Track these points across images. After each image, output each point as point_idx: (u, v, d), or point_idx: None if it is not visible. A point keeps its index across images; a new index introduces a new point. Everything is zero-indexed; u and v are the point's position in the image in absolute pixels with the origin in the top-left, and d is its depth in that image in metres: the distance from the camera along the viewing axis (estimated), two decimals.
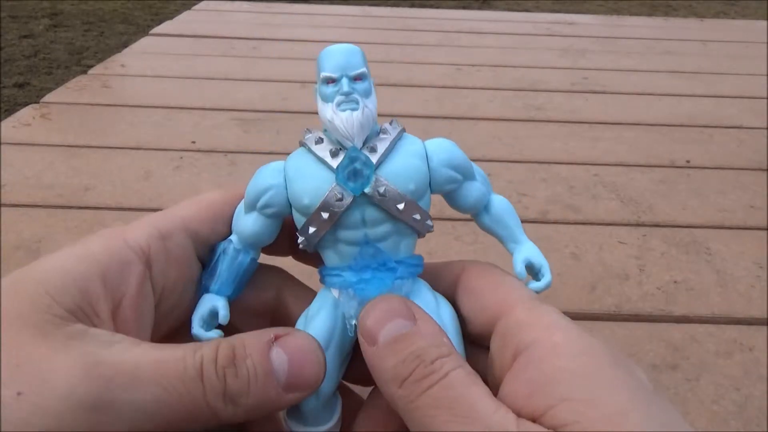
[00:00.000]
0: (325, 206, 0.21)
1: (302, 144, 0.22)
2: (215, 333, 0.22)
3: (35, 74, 1.93)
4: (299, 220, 0.22)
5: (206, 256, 0.24)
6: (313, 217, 0.21)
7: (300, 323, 0.23)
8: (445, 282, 0.24)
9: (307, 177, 0.22)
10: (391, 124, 0.22)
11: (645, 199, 0.53)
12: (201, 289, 0.23)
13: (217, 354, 0.19)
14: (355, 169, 0.21)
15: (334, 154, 0.21)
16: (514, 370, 0.19)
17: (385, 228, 0.22)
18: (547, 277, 0.23)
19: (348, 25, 1.16)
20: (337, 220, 0.21)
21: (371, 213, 0.21)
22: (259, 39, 0.98)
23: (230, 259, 0.23)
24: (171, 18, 1.13)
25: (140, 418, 0.18)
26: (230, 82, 0.78)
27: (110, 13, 2.69)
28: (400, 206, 0.21)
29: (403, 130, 0.23)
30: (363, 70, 0.22)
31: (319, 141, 0.22)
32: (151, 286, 0.22)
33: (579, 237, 0.47)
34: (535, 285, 0.23)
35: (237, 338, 0.20)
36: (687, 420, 0.31)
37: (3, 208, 0.47)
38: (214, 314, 0.23)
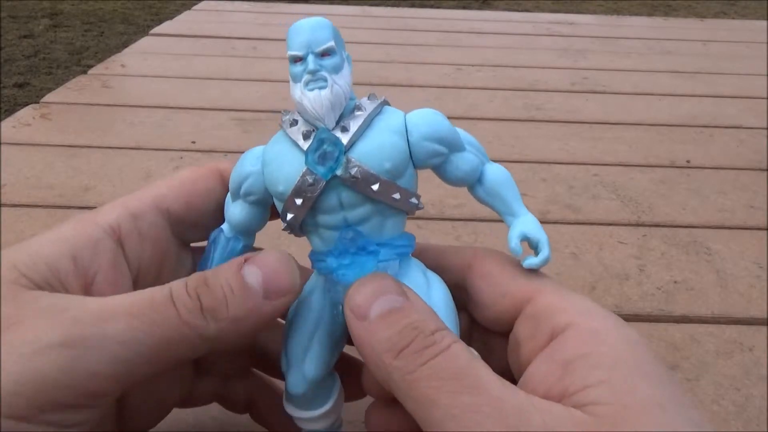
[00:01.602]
0: (297, 192, 0.20)
1: (280, 125, 0.21)
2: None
3: (35, 74, 1.93)
4: (279, 206, 0.21)
5: (188, 233, 0.24)
6: (288, 203, 0.20)
7: (292, 307, 0.22)
8: (453, 267, 0.23)
9: (281, 162, 0.21)
10: (369, 98, 0.21)
11: (645, 199, 0.53)
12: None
13: (187, 282, 0.19)
14: (324, 151, 0.20)
15: (306, 137, 0.20)
16: (549, 351, 0.19)
17: (364, 210, 0.20)
18: (544, 252, 0.21)
19: (348, 25, 1.16)
20: (314, 205, 0.20)
21: (348, 196, 0.20)
22: (259, 39, 0.98)
23: (221, 248, 0.23)
24: (171, 18, 1.13)
25: (116, 349, 0.18)
26: (230, 82, 0.78)
27: (110, 13, 2.69)
28: (375, 187, 0.20)
29: (385, 103, 0.21)
30: (330, 44, 0.20)
31: (294, 123, 0.21)
32: (126, 264, 0.22)
33: (579, 237, 0.47)
34: (530, 261, 0.21)
35: (206, 270, 0.20)
36: None
37: (3, 208, 0.47)
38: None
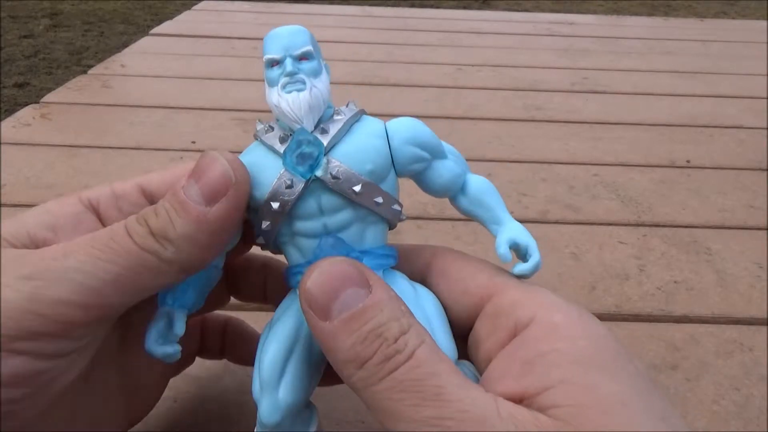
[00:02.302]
0: (274, 195, 0.19)
1: (255, 137, 0.21)
2: (172, 348, 0.21)
3: (35, 74, 1.93)
4: (254, 217, 0.20)
5: None
6: (263, 209, 0.19)
7: (264, 332, 0.21)
8: (413, 266, 0.22)
9: (256, 169, 0.20)
10: (347, 105, 0.21)
11: (645, 199, 0.53)
12: (158, 301, 0.21)
13: (140, 212, 0.20)
14: (302, 152, 0.19)
15: (282, 140, 0.20)
16: (509, 349, 0.18)
17: (345, 215, 0.20)
18: (535, 257, 0.20)
19: (348, 25, 1.16)
20: (291, 211, 0.19)
21: (328, 199, 0.19)
22: (259, 39, 0.98)
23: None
24: (171, 18, 1.13)
25: (80, 277, 0.18)
26: (230, 82, 0.78)
27: (110, 13, 2.69)
28: (357, 188, 0.19)
29: (363, 112, 0.21)
30: (308, 48, 0.20)
31: (269, 129, 0.20)
32: None
33: (579, 237, 0.47)
34: (521, 268, 0.21)
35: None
36: (687, 420, 0.31)
37: (3, 208, 0.47)
38: (170, 327, 0.21)
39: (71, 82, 0.76)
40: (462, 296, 0.21)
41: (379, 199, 0.20)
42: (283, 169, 0.19)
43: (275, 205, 0.19)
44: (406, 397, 0.16)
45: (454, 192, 0.22)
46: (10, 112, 1.50)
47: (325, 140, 0.19)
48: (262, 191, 0.20)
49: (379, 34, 1.07)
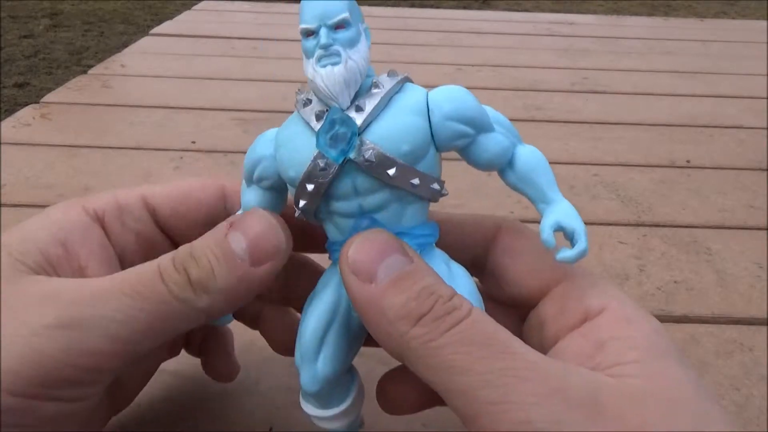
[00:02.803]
0: (308, 177, 0.19)
1: (295, 107, 0.20)
2: (225, 319, 0.21)
3: (35, 74, 1.93)
4: (292, 191, 0.20)
5: (176, 236, 0.24)
6: (299, 190, 0.19)
7: (307, 302, 0.21)
8: (471, 238, 0.22)
9: (292, 146, 0.19)
10: (389, 74, 0.19)
11: (645, 199, 0.53)
12: None
13: (174, 256, 0.19)
14: (336, 133, 0.18)
15: (318, 117, 0.19)
16: (582, 331, 0.19)
17: (381, 196, 0.19)
18: (581, 244, 0.19)
19: None
20: (327, 191, 0.19)
21: (363, 181, 0.19)
22: (259, 39, 0.98)
23: None
24: (171, 18, 1.13)
25: (113, 327, 0.18)
26: (230, 82, 0.78)
27: (110, 13, 2.69)
28: (391, 172, 0.18)
29: (407, 80, 0.20)
30: (344, 15, 0.19)
31: (307, 102, 0.19)
32: (112, 250, 0.22)
33: None
34: (564, 254, 0.20)
35: (192, 242, 0.20)
36: None
37: (3, 208, 0.47)
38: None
39: (71, 82, 0.76)
40: (528, 276, 0.21)
41: (416, 181, 0.19)
42: (317, 151, 0.18)
43: (310, 186, 0.19)
44: (473, 350, 0.16)
45: (502, 166, 0.21)
46: (10, 112, 1.50)
47: (360, 118, 0.18)
48: (298, 171, 0.19)
49: (379, 34, 1.07)
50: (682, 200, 0.53)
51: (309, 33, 0.19)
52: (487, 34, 1.10)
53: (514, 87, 0.80)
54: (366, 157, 0.18)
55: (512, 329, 0.19)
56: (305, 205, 0.19)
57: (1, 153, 0.56)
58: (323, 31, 0.18)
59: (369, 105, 0.18)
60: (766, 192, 0.54)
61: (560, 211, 0.20)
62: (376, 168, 0.18)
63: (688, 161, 0.60)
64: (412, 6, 2.67)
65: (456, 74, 0.84)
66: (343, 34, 0.19)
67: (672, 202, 0.52)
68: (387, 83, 0.19)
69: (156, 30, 1.04)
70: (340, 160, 0.18)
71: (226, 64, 0.86)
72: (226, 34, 1.01)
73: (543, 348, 0.20)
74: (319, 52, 0.18)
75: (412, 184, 0.19)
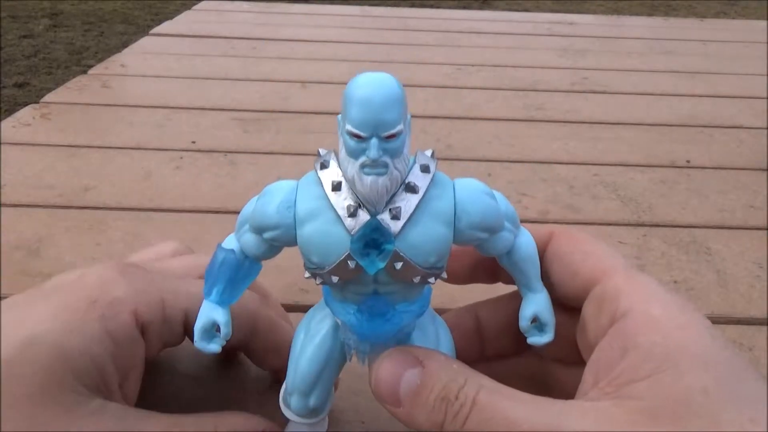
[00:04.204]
0: (336, 271, 0.19)
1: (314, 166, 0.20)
2: (216, 346, 0.22)
3: (35, 74, 1.93)
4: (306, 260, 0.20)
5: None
6: (322, 275, 0.19)
7: (298, 336, 0.23)
8: None
9: (318, 232, 0.19)
10: (421, 168, 0.19)
11: (645, 199, 0.53)
12: (204, 292, 0.22)
13: None
14: (373, 240, 0.18)
15: (351, 214, 0.18)
16: (609, 337, 0.19)
17: (396, 287, 0.20)
18: (548, 335, 0.22)
19: (348, 25, 1.16)
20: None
21: (384, 277, 0.19)
22: (259, 39, 0.98)
23: (233, 268, 0.21)
24: (171, 18, 1.13)
25: None
26: (230, 82, 0.78)
27: (110, 13, 2.70)
28: (416, 279, 0.19)
29: (435, 167, 0.20)
30: (399, 128, 0.17)
31: (325, 166, 0.19)
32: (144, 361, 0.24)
33: None
34: (534, 339, 0.22)
35: None
36: None
37: (3, 208, 0.47)
38: (214, 325, 0.22)
39: (71, 82, 0.76)
40: (572, 279, 0.22)
41: (432, 279, 0.20)
42: (348, 252, 0.18)
43: (335, 278, 0.19)
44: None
45: (501, 255, 0.22)
46: (10, 112, 1.50)
47: (396, 226, 0.18)
48: (323, 261, 0.19)
49: (379, 34, 1.07)
50: (682, 200, 0.53)
51: (356, 136, 0.18)
52: (486, 34, 1.10)
53: (514, 87, 0.80)
54: (396, 267, 0.19)
55: (571, 332, 0.22)
56: (322, 283, 0.20)
57: (1, 153, 0.56)
58: (374, 142, 0.17)
59: (405, 212, 0.18)
60: (766, 192, 0.54)
61: (539, 303, 0.22)
62: (403, 274, 0.19)
63: (688, 161, 0.60)
64: (412, 6, 2.67)
65: (456, 74, 0.84)
66: (393, 144, 0.18)
67: (672, 202, 0.52)
68: (422, 184, 0.19)
69: (156, 30, 1.04)
70: (373, 272, 0.19)
71: (226, 64, 0.86)
72: (226, 34, 1.01)
73: (585, 350, 0.21)
74: (364, 159, 0.18)
75: (429, 282, 0.20)
